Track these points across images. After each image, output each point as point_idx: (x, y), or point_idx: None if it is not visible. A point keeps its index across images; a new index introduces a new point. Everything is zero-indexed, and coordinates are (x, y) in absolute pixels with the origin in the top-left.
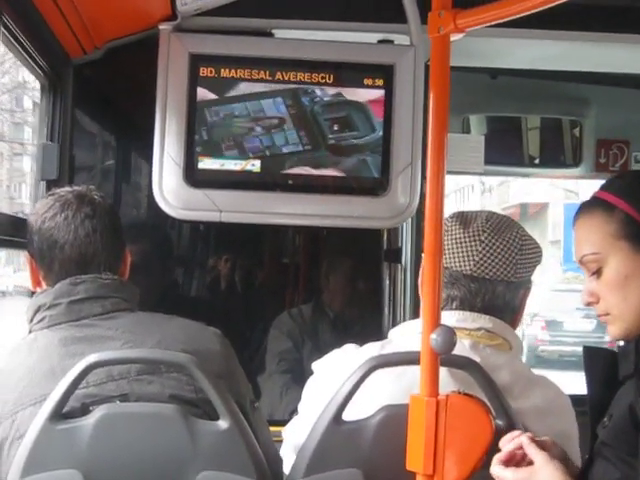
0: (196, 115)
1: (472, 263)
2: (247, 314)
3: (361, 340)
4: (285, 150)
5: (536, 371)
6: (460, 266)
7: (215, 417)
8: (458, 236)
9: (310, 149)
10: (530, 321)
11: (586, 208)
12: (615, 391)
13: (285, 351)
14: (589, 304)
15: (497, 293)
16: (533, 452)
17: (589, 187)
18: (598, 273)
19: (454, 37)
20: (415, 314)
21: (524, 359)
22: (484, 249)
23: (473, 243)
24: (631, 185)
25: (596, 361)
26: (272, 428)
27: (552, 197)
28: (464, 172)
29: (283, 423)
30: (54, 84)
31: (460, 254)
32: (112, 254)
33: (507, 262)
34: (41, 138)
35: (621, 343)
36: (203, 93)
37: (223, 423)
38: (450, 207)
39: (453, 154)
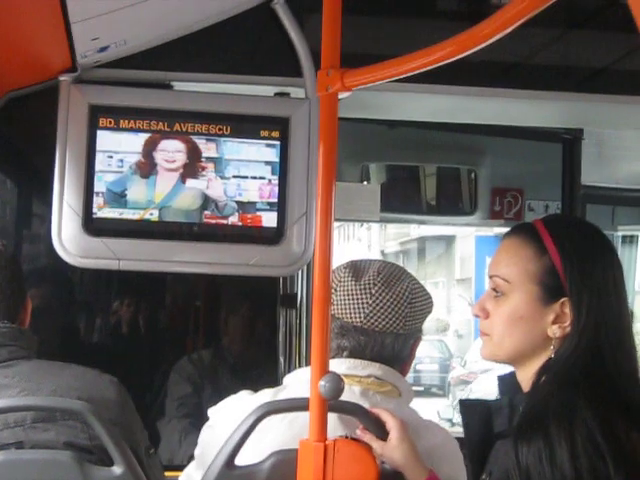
0: (95, 165)
1: (362, 315)
2: (148, 359)
3: (260, 385)
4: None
5: None
6: (350, 318)
7: (109, 463)
8: (349, 288)
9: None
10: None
11: (522, 234)
12: (493, 445)
13: (185, 396)
14: (477, 316)
15: (386, 344)
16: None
17: None
18: (500, 298)
19: (342, 95)
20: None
21: None
22: (374, 302)
23: (363, 296)
24: (570, 237)
25: (472, 415)
26: (172, 473)
27: (460, 229)
28: (360, 220)
29: (182, 468)
30: None
31: (351, 306)
32: (11, 302)
33: (396, 315)
34: None
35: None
36: (102, 144)
37: (117, 469)
38: (344, 240)
39: (349, 203)
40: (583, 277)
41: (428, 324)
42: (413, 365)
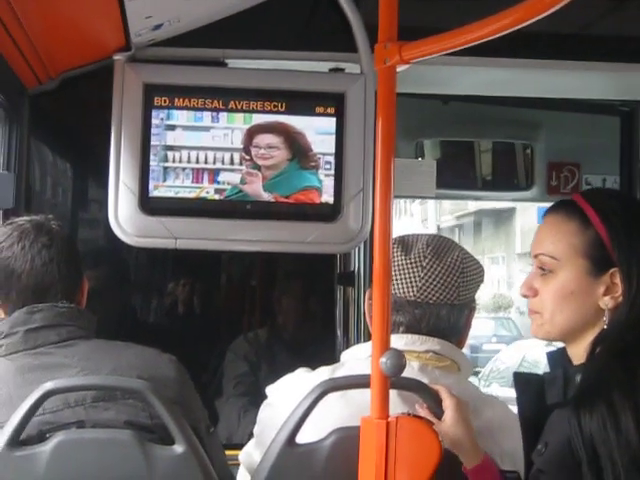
0: (151, 144)
1: (415, 289)
2: (205, 338)
3: (315, 362)
4: (241, 185)
5: None
6: (403, 292)
7: (170, 442)
8: (400, 263)
9: None
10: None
11: (563, 210)
12: (546, 417)
13: (242, 374)
14: (525, 296)
15: (441, 316)
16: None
17: None
18: (548, 275)
19: (400, 68)
20: (368, 336)
21: None
22: (426, 275)
23: (415, 269)
24: (612, 208)
25: (527, 388)
26: (231, 451)
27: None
28: (416, 196)
29: (241, 446)
30: (10, 114)
31: (403, 281)
32: (69, 283)
33: (449, 286)
34: None
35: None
36: (158, 123)
37: (178, 448)
38: (395, 216)
39: (405, 179)
40: (631, 245)
41: (488, 301)
42: (480, 345)
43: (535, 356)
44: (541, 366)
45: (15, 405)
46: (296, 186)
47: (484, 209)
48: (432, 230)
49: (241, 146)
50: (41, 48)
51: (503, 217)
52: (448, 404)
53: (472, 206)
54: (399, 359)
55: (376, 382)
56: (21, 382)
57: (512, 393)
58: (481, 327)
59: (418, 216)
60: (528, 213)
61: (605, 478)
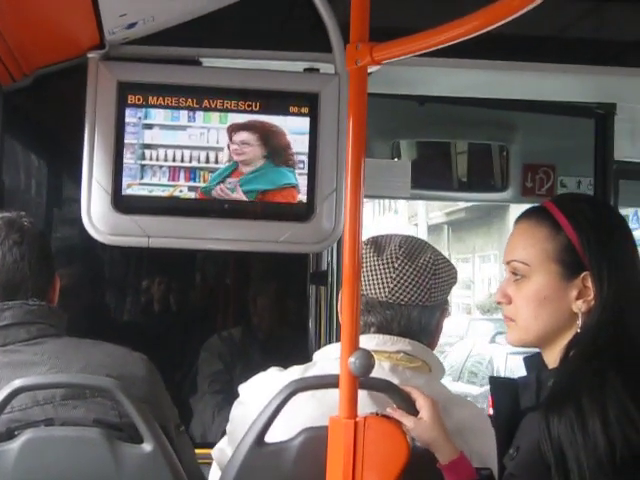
0: (125, 142)
1: (387, 290)
2: (178, 337)
3: (289, 361)
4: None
5: None
6: (375, 293)
7: (139, 441)
8: (372, 263)
9: None
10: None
11: (534, 216)
12: (520, 421)
13: (216, 373)
14: (499, 303)
15: (412, 318)
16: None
17: None
18: (521, 281)
19: (372, 69)
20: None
21: None
22: (397, 276)
23: (387, 270)
24: (582, 213)
25: (502, 392)
26: (205, 450)
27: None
28: (391, 197)
29: (215, 444)
30: None
31: (375, 282)
32: (40, 280)
33: (421, 287)
34: None
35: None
36: (131, 121)
37: (147, 446)
38: (379, 214)
39: (380, 179)
40: (601, 249)
41: (484, 301)
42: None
43: (480, 352)
44: (486, 358)
45: None
46: (274, 183)
47: (475, 205)
48: (421, 228)
49: (216, 145)
50: (15, 45)
51: (495, 213)
52: (423, 403)
53: (462, 202)
54: (368, 359)
55: (344, 382)
56: None
57: (459, 387)
58: (480, 330)
59: (404, 213)
60: (521, 209)
61: None
